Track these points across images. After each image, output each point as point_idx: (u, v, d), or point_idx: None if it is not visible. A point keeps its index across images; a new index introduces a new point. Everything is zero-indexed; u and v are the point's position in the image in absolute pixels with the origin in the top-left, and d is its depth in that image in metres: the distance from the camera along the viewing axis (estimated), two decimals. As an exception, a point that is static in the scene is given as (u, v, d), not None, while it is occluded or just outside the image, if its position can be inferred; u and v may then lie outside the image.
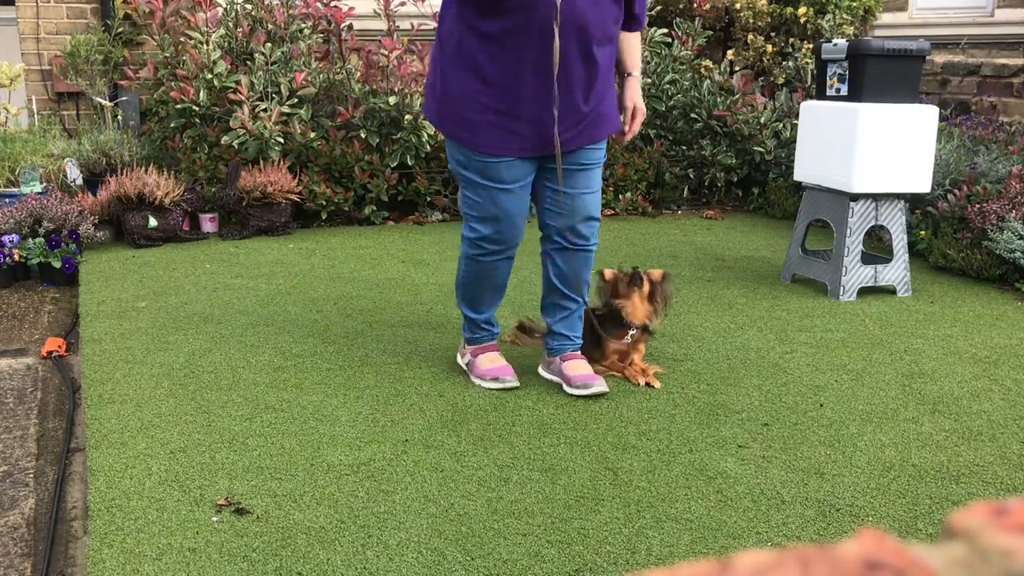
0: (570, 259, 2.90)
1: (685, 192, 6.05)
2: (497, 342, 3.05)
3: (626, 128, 2.91)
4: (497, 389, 2.90)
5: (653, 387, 2.95)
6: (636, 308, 3.04)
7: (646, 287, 3.06)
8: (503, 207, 2.76)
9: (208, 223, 5.10)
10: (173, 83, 5.12)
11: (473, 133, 2.69)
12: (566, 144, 2.72)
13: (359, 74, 5.27)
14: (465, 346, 3.05)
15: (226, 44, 5.34)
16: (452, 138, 2.75)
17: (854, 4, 6.56)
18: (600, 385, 2.85)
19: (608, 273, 3.10)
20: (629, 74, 2.92)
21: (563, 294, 2.94)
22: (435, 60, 2.77)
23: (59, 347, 3.41)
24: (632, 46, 2.93)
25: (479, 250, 2.84)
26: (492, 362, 2.97)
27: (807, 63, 6.15)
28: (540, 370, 3.03)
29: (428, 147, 5.19)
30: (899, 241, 4.05)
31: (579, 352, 2.98)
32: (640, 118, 2.90)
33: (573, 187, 2.81)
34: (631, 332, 3.03)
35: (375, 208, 5.39)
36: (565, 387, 2.88)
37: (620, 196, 5.77)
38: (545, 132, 2.69)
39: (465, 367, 3.03)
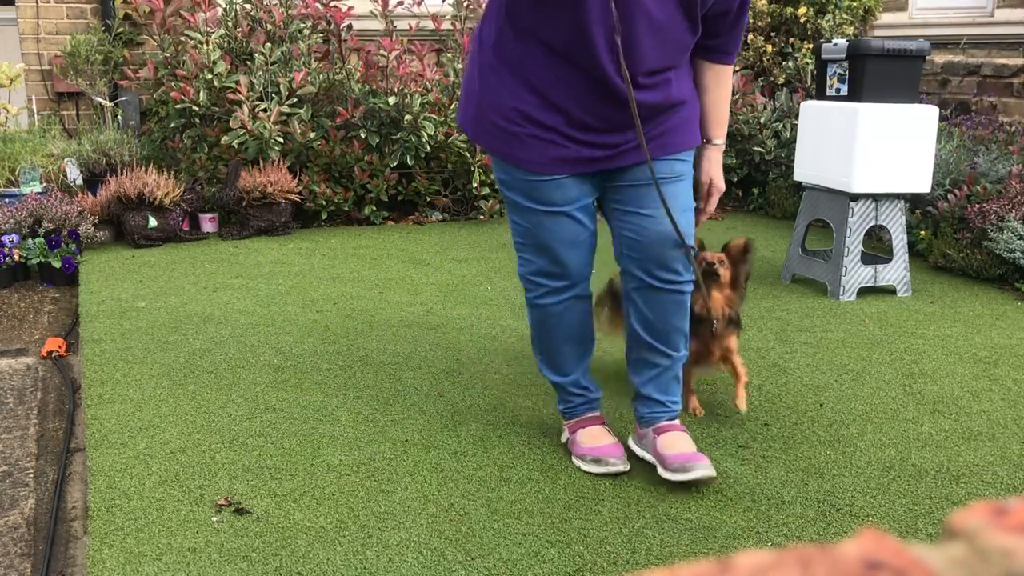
0: (657, 302, 2.31)
1: (685, 192, 6.05)
2: (600, 412, 2.50)
3: (702, 205, 2.41)
4: (599, 473, 2.35)
5: (740, 411, 2.64)
6: (714, 300, 2.60)
7: (725, 275, 2.60)
8: (557, 234, 2.27)
9: (208, 223, 5.10)
10: (173, 83, 5.12)
11: (516, 147, 2.22)
12: (634, 156, 2.23)
13: (359, 74, 5.27)
14: (563, 420, 2.52)
15: (226, 44, 5.34)
16: (493, 154, 2.29)
17: (854, 4, 6.56)
18: (704, 468, 2.23)
19: None
20: (709, 140, 2.37)
21: (651, 347, 2.36)
22: (472, 63, 2.31)
23: (59, 347, 3.41)
24: (718, 98, 2.34)
25: (537, 289, 2.36)
26: (594, 439, 2.40)
27: (807, 63, 6.15)
28: (630, 443, 2.46)
29: (428, 147, 5.19)
30: (899, 241, 4.04)
31: (677, 420, 2.41)
32: (717, 197, 2.41)
33: (649, 207, 2.25)
34: (713, 327, 2.61)
35: (375, 208, 5.39)
36: (659, 470, 2.29)
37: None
38: (605, 142, 2.21)
39: (565, 445, 2.50)
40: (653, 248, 2.26)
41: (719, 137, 2.38)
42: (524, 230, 2.30)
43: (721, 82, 2.32)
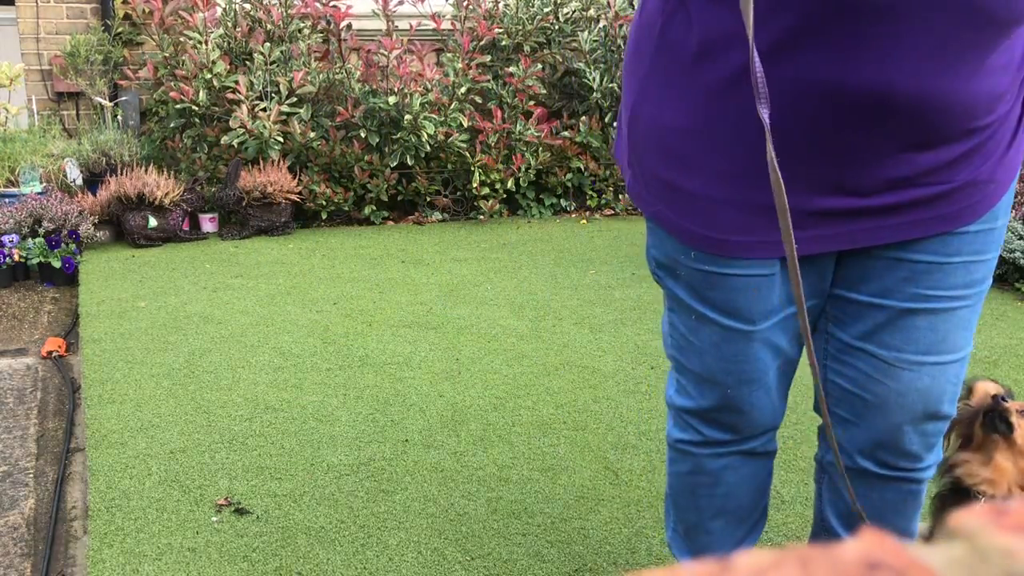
0: (875, 492, 1.49)
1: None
2: None
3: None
4: None
5: None
6: (998, 470, 1.62)
7: (1021, 432, 1.60)
8: (741, 362, 1.42)
9: (208, 223, 5.10)
10: (173, 83, 5.12)
11: (696, 214, 1.34)
12: (854, 237, 1.31)
13: (359, 74, 5.27)
14: None
15: (225, 44, 5.34)
16: (654, 220, 1.41)
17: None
18: None
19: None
20: None
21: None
22: (630, 67, 1.39)
23: (59, 347, 3.41)
24: None
25: (690, 433, 1.54)
26: None
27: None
28: None
29: (428, 147, 5.19)
30: (899, 241, 4.04)
31: None
32: None
33: (888, 344, 1.36)
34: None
35: (375, 208, 5.39)
36: None
37: (620, 196, 5.77)
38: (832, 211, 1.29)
39: None
40: (891, 417, 1.39)
41: None
42: (690, 346, 1.49)
43: None
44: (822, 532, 1.62)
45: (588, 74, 5.41)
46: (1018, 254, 4.04)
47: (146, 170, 4.92)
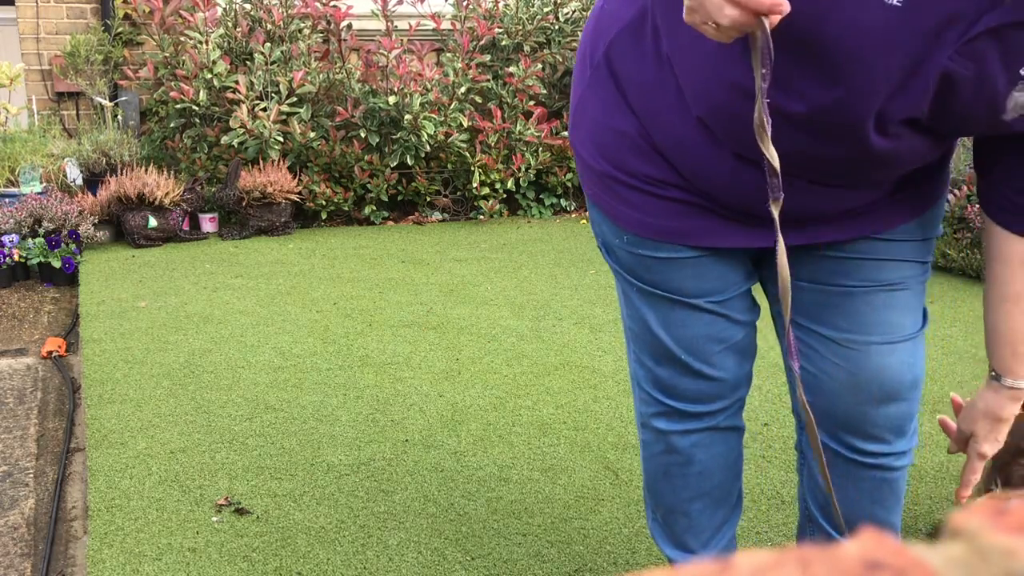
0: (849, 479, 1.49)
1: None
2: None
3: (966, 479, 1.41)
4: None
5: None
6: None
7: None
8: (690, 327, 1.46)
9: (208, 223, 5.10)
10: (173, 83, 5.12)
11: (630, 203, 1.40)
12: (805, 232, 1.36)
13: (359, 74, 5.27)
14: None
15: (225, 44, 5.34)
16: (592, 201, 1.50)
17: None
18: None
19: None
20: (995, 375, 1.35)
21: (828, 536, 1.58)
22: (581, 58, 1.44)
23: (59, 347, 3.41)
24: (1018, 313, 1.30)
25: (654, 408, 1.55)
26: None
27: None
28: None
29: (428, 147, 5.19)
30: (899, 241, 4.04)
31: None
32: (979, 466, 1.39)
33: (838, 326, 1.41)
34: None
35: (375, 208, 5.39)
36: None
37: (620, 196, 5.77)
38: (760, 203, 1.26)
39: None
40: (848, 397, 1.42)
41: (1016, 374, 1.32)
42: (636, 321, 1.54)
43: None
44: (806, 524, 1.64)
45: (588, 74, 5.41)
46: (1018, 254, 4.04)
47: (146, 170, 4.92)
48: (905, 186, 1.34)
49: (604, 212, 1.45)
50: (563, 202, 5.67)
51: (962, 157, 4.82)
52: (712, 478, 1.59)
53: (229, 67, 5.18)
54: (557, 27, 5.63)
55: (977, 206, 4.27)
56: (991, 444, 1.36)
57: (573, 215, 5.62)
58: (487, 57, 5.32)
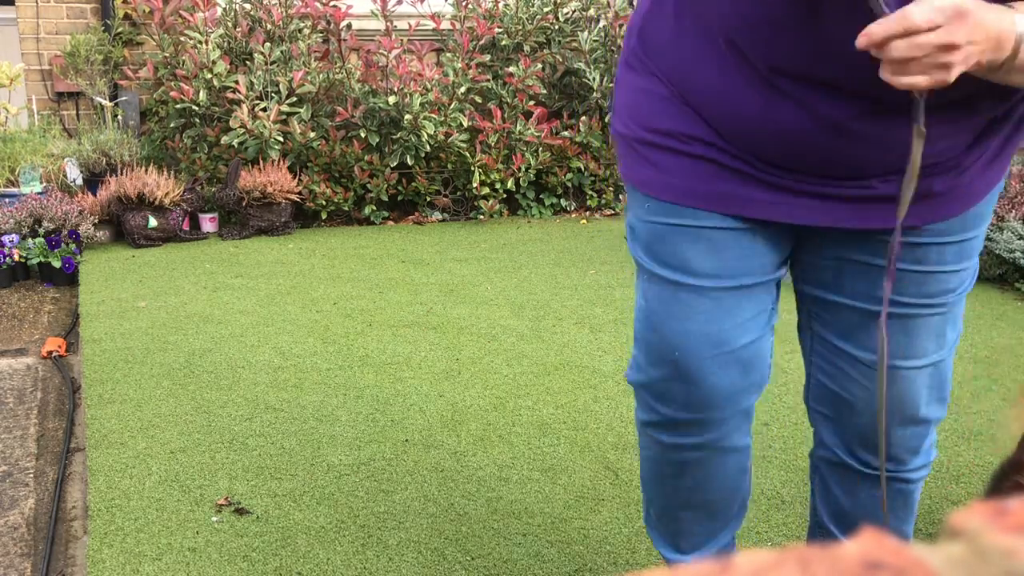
0: (863, 491, 1.48)
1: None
2: None
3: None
4: None
5: None
6: None
7: None
8: (688, 319, 1.35)
9: (208, 223, 5.10)
10: (173, 83, 5.12)
11: (651, 164, 1.33)
12: (863, 209, 1.25)
13: (358, 74, 5.27)
14: None
15: (225, 44, 5.34)
16: (626, 178, 1.40)
17: (854, 4, 6.56)
18: None
19: None
20: None
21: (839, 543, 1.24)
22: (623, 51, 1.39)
23: (59, 347, 3.41)
24: None
25: (645, 415, 1.47)
26: None
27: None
28: None
29: (428, 147, 5.19)
30: (899, 241, 4.04)
31: None
32: (898, 25, 0.99)
33: (866, 346, 1.36)
34: None
35: (375, 208, 5.39)
36: None
37: (620, 196, 5.77)
38: (808, 176, 1.23)
39: None
40: (867, 418, 1.39)
41: None
42: (641, 309, 1.45)
43: None
44: (817, 530, 1.60)
45: (588, 74, 5.41)
46: (1018, 254, 4.04)
47: (146, 170, 4.92)
48: (987, 135, 1.22)
49: (632, 183, 1.36)
50: (563, 202, 5.66)
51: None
52: (705, 494, 1.49)
53: (229, 67, 5.18)
54: (557, 27, 5.63)
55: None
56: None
57: (573, 215, 5.62)
58: (487, 57, 5.32)
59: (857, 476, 1.46)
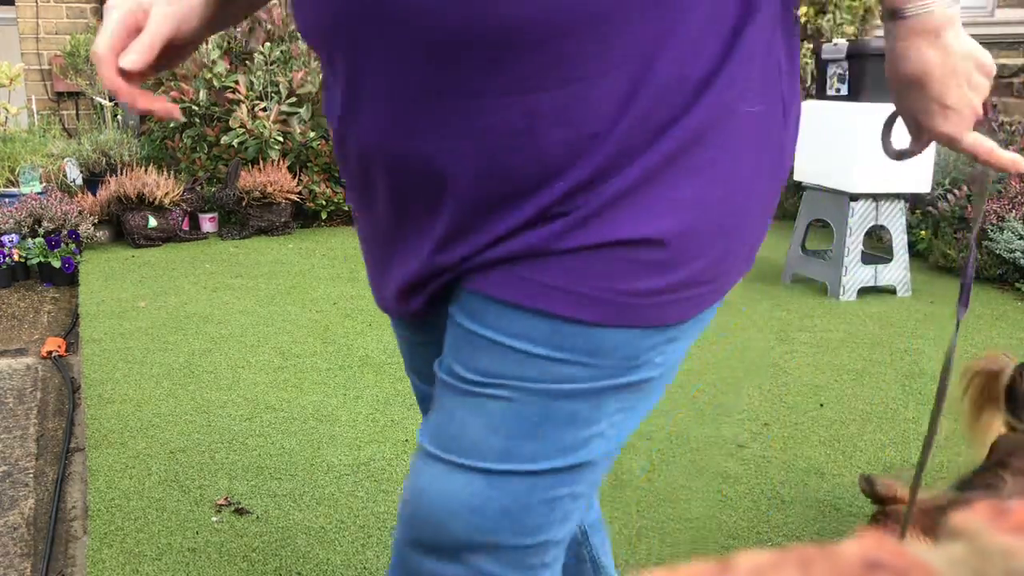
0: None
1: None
2: None
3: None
4: None
5: None
6: None
7: None
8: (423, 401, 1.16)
9: (208, 223, 5.10)
10: (173, 83, 5.12)
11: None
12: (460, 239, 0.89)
13: (359, 74, 5.26)
14: None
15: (225, 44, 5.34)
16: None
17: (854, 4, 6.56)
18: None
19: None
20: (895, 11, 0.85)
21: None
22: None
23: (59, 347, 3.41)
24: None
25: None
26: None
27: (807, 63, 6.15)
28: None
29: (428, 147, 5.18)
30: (899, 241, 4.04)
31: None
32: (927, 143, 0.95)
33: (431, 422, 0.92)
34: None
35: (375, 208, 5.39)
36: None
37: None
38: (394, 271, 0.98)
39: None
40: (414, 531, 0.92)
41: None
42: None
43: None
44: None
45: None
46: (1018, 254, 4.04)
47: (146, 170, 4.92)
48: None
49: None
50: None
51: (962, 158, 4.82)
52: None
53: (229, 67, 5.18)
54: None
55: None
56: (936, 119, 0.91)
57: (573, 215, 5.62)
58: (487, 57, 5.32)
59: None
